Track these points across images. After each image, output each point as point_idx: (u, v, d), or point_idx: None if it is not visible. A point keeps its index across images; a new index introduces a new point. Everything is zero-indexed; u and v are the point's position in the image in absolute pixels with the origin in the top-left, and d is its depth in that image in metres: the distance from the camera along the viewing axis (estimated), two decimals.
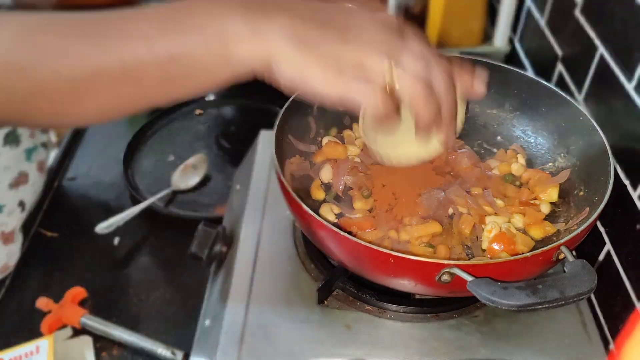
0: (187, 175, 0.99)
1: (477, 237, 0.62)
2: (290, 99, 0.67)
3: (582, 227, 0.52)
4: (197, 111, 1.16)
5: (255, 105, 1.16)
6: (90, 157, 1.06)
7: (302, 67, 0.39)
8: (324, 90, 0.40)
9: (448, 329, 0.59)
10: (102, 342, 0.74)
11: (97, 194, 0.97)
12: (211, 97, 1.19)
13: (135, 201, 0.94)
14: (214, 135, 1.11)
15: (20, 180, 0.82)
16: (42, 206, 0.94)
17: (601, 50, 0.67)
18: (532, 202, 0.66)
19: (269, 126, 0.85)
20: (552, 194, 0.65)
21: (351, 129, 0.76)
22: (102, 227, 0.87)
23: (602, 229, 0.66)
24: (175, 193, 0.97)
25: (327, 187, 0.69)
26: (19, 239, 0.85)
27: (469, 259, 0.60)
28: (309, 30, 0.40)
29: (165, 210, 0.93)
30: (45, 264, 0.86)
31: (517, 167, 0.69)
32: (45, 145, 0.87)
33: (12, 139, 0.78)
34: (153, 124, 1.12)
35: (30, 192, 0.85)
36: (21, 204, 0.84)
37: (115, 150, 1.05)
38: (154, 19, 0.40)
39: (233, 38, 0.39)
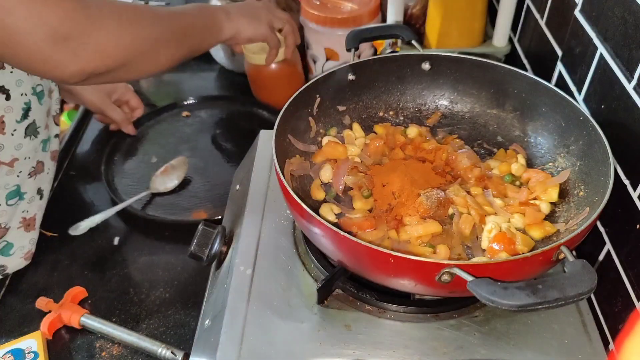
0: (166, 178, 0.98)
1: (477, 237, 0.62)
2: (291, 99, 0.67)
3: (582, 227, 0.52)
4: (184, 113, 1.16)
5: (242, 110, 1.16)
6: (90, 156, 1.06)
7: (248, 28, 0.91)
8: (253, 34, 0.93)
9: (448, 329, 0.59)
10: (102, 342, 0.74)
11: (97, 193, 0.97)
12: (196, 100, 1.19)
13: (113, 202, 0.94)
14: (199, 138, 1.10)
15: (37, 169, 0.85)
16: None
17: (601, 50, 0.67)
18: (532, 202, 0.66)
19: (255, 130, 0.86)
20: (552, 194, 0.65)
21: (351, 129, 0.76)
22: (75, 229, 0.87)
23: (602, 229, 0.66)
24: (154, 195, 0.96)
25: (327, 187, 0.69)
26: (37, 227, 0.87)
27: (469, 259, 0.60)
28: (247, 17, 0.92)
29: (141, 213, 0.92)
30: (45, 264, 0.86)
31: (517, 167, 0.69)
32: (57, 136, 0.91)
33: (31, 131, 0.82)
34: (140, 125, 1.11)
35: (46, 181, 0.89)
36: (39, 192, 0.87)
37: None
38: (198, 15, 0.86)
39: (223, 23, 0.89)
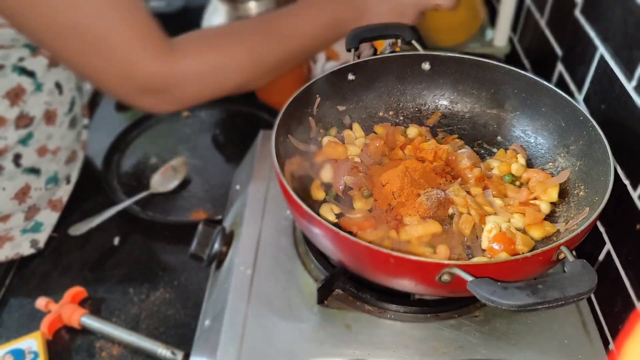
0: (166, 178, 0.98)
1: (477, 237, 0.62)
2: (290, 99, 0.67)
3: (582, 227, 0.52)
4: (184, 113, 1.16)
5: (242, 110, 1.16)
6: (90, 156, 1.06)
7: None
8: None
9: (448, 329, 0.59)
10: (102, 342, 0.74)
11: (98, 193, 0.97)
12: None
13: (113, 202, 0.94)
14: (198, 138, 1.10)
15: (71, 157, 0.93)
16: None
17: (601, 50, 0.67)
18: (532, 202, 0.66)
19: (254, 132, 0.86)
20: (552, 194, 0.65)
21: (351, 129, 0.76)
22: (75, 229, 0.87)
23: (602, 229, 0.66)
24: (154, 195, 0.96)
25: (327, 187, 0.69)
26: (62, 208, 0.93)
27: (469, 259, 0.60)
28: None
29: (140, 214, 0.92)
30: (45, 264, 0.86)
31: (517, 167, 0.69)
32: (86, 127, 1.00)
33: (73, 123, 0.91)
34: (139, 125, 1.11)
35: (76, 168, 0.96)
36: (67, 178, 0.94)
37: None
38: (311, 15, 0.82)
39: (342, 19, 0.83)
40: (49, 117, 0.84)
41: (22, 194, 0.85)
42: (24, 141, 0.82)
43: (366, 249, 0.51)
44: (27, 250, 0.87)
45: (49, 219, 0.90)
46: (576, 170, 0.66)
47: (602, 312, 0.66)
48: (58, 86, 0.84)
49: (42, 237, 0.88)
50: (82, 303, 0.79)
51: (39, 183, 0.87)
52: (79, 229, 0.87)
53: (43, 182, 0.87)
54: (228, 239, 0.72)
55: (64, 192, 0.93)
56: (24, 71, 0.79)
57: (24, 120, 0.81)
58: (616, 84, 0.63)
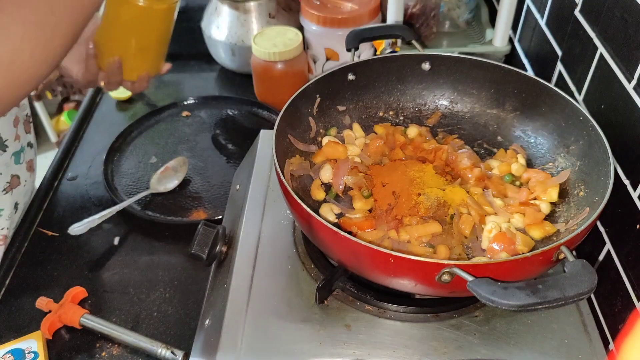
0: (166, 178, 0.98)
1: (477, 237, 0.62)
2: (291, 99, 0.67)
3: (582, 227, 0.52)
4: (184, 113, 1.16)
5: (242, 110, 1.16)
6: (90, 156, 1.06)
7: None
8: None
9: (448, 329, 0.59)
10: (102, 342, 0.74)
11: (98, 193, 0.97)
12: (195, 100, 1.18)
13: (113, 202, 0.93)
14: (199, 138, 1.10)
15: (13, 183, 0.84)
16: (43, 206, 0.94)
17: (601, 50, 0.67)
18: (532, 202, 0.66)
19: (254, 132, 0.86)
20: (552, 194, 0.65)
21: (351, 129, 0.76)
22: (75, 228, 0.87)
23: (602, 229, 0.66)
24: (154, 195, 0.96)
25: (327, 187, 0.69)
26: (7, 244, 0.87)
27: (469, 259, 0.60)
28: None
29: (140, 214, 0.92)
30: (45, 264, 0.86)
31: (517, 167, 0.69)
32: (30, 145, 0.89)
33: None
34: (138, 125, 1.11)
35: (22, 193, 0.88)
36: (16, 207, 0.86)
37: None
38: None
39: None
40: None
41: None
42: None
43: (366, 249, 0.51)
44: None
45: None
46: (576, 170, 0.66)
47: (602, 312, 0.66)
48: None
49: None
50: (82, 303, 0.79)
51: None
52: (79, 229, 0.87)
53: None
54: (228, 239, 0.72)
55: (14, 223, 0.86)
56: None
57: None
58: (616, 84, 0.63)
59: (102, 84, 0.89)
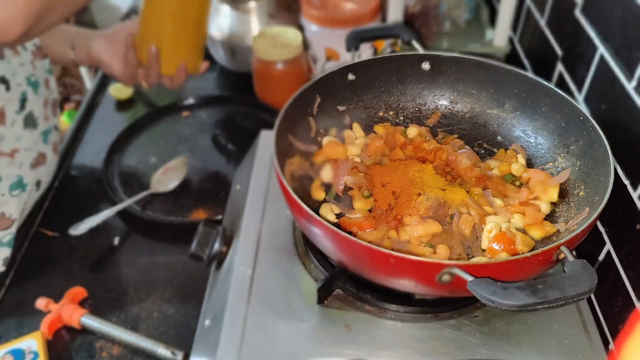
0: (166, 178, 0.98)
1: (477, 237, 0.62)
2: (291, 99, 0.67)
3: (582, 227, 0.52)
4: (184, 113, 1.16)
5: (242, 110, 1.16)
6: (90, 156, 1.06)
7: None
8: None
9: (448, 329, 0.59)
10: (102, 342, 0.74)
11: (98, 193, 0.97)
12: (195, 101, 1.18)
13: (113, 202, 0.94)
14: (198, 138, 1.10)
15: (39, 161, 0.86)
16: (43, 206, 0.94)
17: (601, 50, 0.67)
18: (532, 202, 0.66)
19: (254, 132, 0.86)
20: (552, 194, 0.65)
21: (351, 128, 0.76)
22: (75, 228, 0.87)
23: (602, 229, 0.66)
24: (154, 195, 0.96)
25: (327, 187, 0.69)
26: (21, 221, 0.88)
27: (469, 259, 0.60)
28: None
29: (140, 214, 0.92)
30: (45, 264, 0.86)
31: (517, 167, 0.69)
32: (57, 128, 0.92)
33: (30, 122, 0.82)
34: (138, 125, 1.11)
35: (46, 173, 0.90)
36: (38, 184, 0.88)
37: None
38: None
39: None
40: None
41: None
42: None
43: (366, 249, 0.51)
44: None
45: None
46: (576, 170, 0.66)
47: (602, 312, 0.66)
48: (4, 81, 0.76)
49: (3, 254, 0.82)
50: (82, 303, 0.79)
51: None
52: (79, 229, 0.87)
53: (6, 188, 0.80)
54: (228, 239, 0.72)
55: (33, 200, 0.88)
56: None
57: None
58: (616, 84, 0.63)
59: (143, 82, 0.95)
